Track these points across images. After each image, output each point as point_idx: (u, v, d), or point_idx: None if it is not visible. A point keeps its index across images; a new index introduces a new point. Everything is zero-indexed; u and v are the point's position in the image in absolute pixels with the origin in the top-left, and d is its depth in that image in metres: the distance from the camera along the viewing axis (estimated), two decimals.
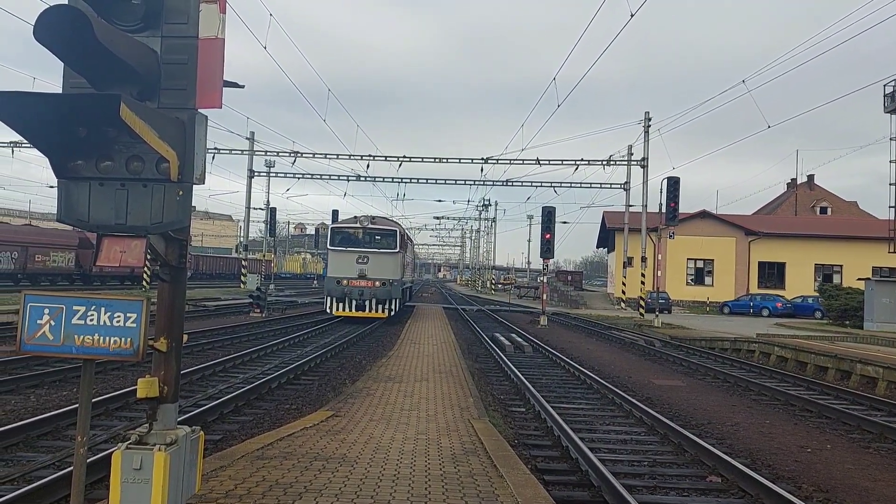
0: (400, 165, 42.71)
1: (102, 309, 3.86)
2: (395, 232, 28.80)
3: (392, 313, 27.83)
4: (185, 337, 4.40)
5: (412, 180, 45.90)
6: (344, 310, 27.29)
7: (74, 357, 3.91)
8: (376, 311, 27.31)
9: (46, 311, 3.87)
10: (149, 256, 4.01)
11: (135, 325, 3.86)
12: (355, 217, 29.57)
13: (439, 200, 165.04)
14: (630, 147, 41.34)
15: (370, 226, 28.53)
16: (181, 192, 3.82)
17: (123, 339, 3.85)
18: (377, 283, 27.07)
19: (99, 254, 3.85)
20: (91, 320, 3.85)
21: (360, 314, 27.25)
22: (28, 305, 3.87)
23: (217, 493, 5.77)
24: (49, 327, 3.86)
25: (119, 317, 3.85)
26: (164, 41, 3.94)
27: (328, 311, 27.85)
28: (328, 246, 29.01)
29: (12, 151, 42.21)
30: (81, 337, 3.85)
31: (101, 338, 3.85)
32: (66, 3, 3.70)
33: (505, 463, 7.16)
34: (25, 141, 3.83)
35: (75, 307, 3.87)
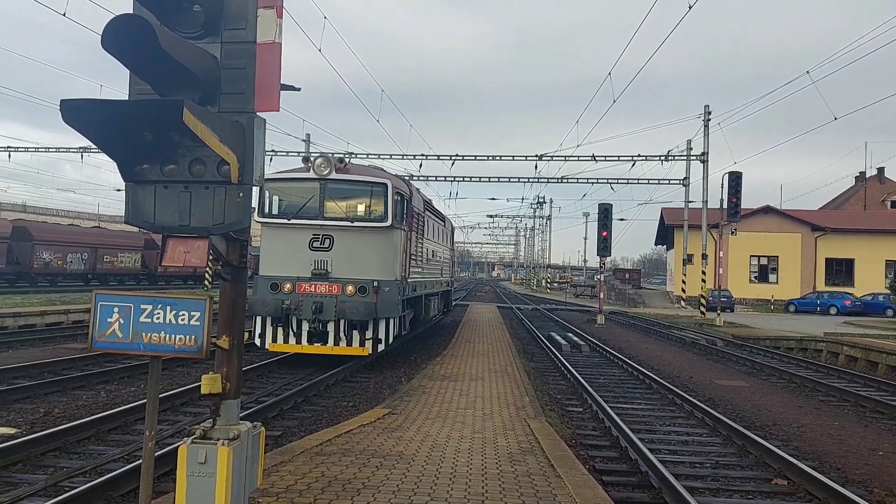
0: (453, 164, 42.82)
1: (168, 308, 3.99)
2: (384, 187, 14.56)
3: (382, 346, 14.44)
4: (246, 334, 4.50)
5: (465, 179, 45.99)
6: (287, 341, 14.21)
7: (142, 354, 4.05)
8: (349, 345, 14.12)
9: (116, 309, 4.01)
10: (211, 256, 4.12)
11: (198, 323, 3.97)
12: (305, 158, 16.12)
13: (493, 198, 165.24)
14: (689, 142, 40.53)
15: (335, 176, 14.52)
16: (241, 194, 3.91)
17: (188, 337, 3.97)
18: (349, 289, 13.95)
19: (164, 254, 3.97)
20: (157, 318, 3.98)
21: (316, 349, 14.15)
22: (99, 304, 4.02)
23: (278, 487, 5.90)
24: (118, 325, 4.00)
25: (184, 315, 3.97)
26: (223, 47, 4.04)
27: (256, 341, 14.39)
28: (256, 217, 14.37)
29: (81, 156, 44.05)
30: (149, 335, 3.98)
31: (167, 335, 3.98)
32: (131, 12, 3.83)
33: (562, 463, 7.11)
34: (94, 146, 3.97)
35: (143, 306, 4.00)
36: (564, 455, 7.49)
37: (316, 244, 14.23)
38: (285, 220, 14.54)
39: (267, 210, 14.73)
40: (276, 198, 14.90)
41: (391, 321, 14.48)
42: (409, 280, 15.75)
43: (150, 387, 4.10)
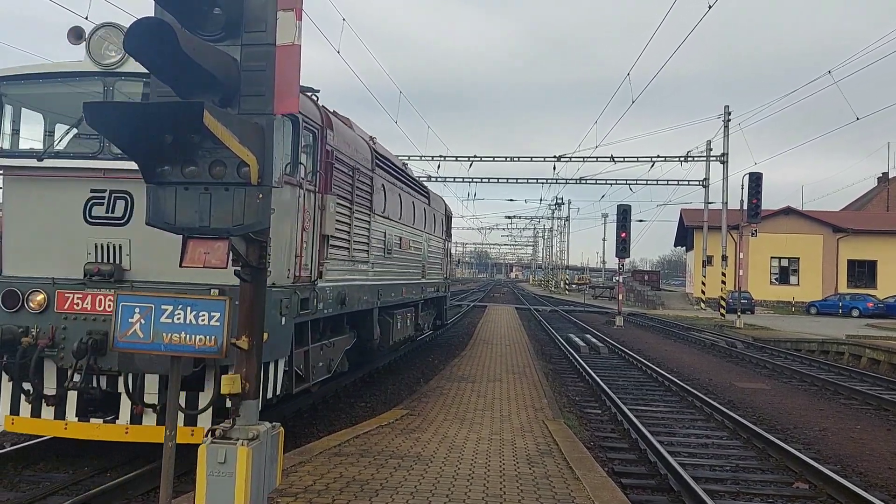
0: (471, 165, 42.87)
1: (188, 308, 4.03)
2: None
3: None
4: (266, 335, 4.53)
5: (483, 180, 46.00)
6: (38, 413, 6.95)
7: (163, 354, 4.08)
8: (161, 422, 6.42)
9: (137, 310, 4.05)
10: (231, 257, 4.15)
11: (218, 323, 4.00)
12: (77, 33, 6.99)
13: (511, 199, 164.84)
14: (709, 142, 40.28)
15: (133, 68, 6.74)
16: (261, 195, 3.94)
17: (208, 337, 4.00)
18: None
19: (185, 255, 4.00)
20: (178, 319, 4.02)
21: (95, 432, 6.85)
22: (121, 305, 4.07)
23: (297, 487, 5.92)
24: (140, 325, 4.04)
25: (203, 316, 4.01)
26: (243, 49, 4.07)
27: None
28: None
29: None
30: (169, 335, 4.02)
31: (188, 336, 4.01)
32: (153, 16, 3.87)
33: (581, 465, 7.08)
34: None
35: (163, 306, 4.04)
36: (583, 457, 7.46)
37: (97, 212, 7.16)
38: (35, 164, 7.30)
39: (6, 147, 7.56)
40: (21, 117, 7.63)
41: (274, 375, 7.41)
42: (323, 284, 8.66)
43: (170, 386, 4.14)
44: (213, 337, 3.99)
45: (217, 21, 4.02)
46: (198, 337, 4.00)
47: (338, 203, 9.10)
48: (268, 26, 4.08)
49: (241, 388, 4.27)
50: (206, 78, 3.80)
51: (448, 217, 20.29)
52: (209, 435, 4.19)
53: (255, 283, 4.41)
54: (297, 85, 4.31)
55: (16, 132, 7.60)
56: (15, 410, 7.05)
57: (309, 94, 9.02)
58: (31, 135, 7.74)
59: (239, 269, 4.35)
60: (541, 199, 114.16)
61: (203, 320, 4.01)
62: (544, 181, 47.80)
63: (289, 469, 6.40)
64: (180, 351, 4.03)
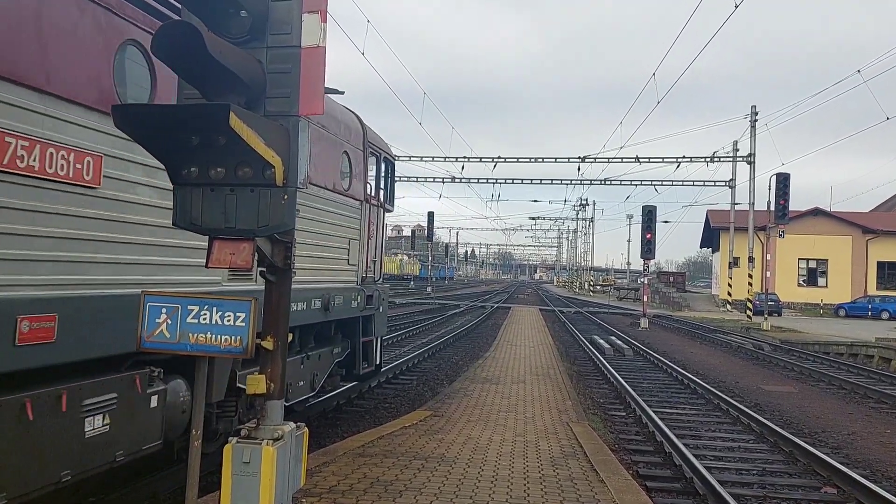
0: (495, 166, 42.83)
1: (214, 308, 4.05)
2: None
3: None
4: (290, 336, 4.55)
5: (507, 181, 45.93)
6: None
7: (189, 354, 4.11)
8: None
9: (164, 310, 4.09)
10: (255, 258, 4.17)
11: (244, 323, 4.02)
12: None
13: (535, 201, 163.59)
14: (735, 143, 39.87)
15: None
16: (286, 197, 3.96)
17: (233, 338, 4.02)
18: None
19: (210, 255, 4.03)
20: (204, 319, 4.05)
21: None
22: (147, 305, 4.11)
23: (321, 487, 5.95)
24: (166, 326, 4.08)
25: (229, 316, 4.03)
26: (269, 51, 4.10)
27: None
28: None
29: None
30: (195, 335, 4.05)
31: (213, 336, 4.04)
32: (181, 19, 3.91)
33: (605, 467, 7.04)
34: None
35: (190, 307, 4.07)
36: (607, 460, 7.41)
37: None
38: None
39: None
40: None
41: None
42: None
43: (196, 386, 4.18)
44: (238, 337, 4.02)
45: (243, 23, 4.05)
46: (223, 337, 4.03)
47: None
48: (293, 29, 4.10)
49: (266, 388, 4.29)
50: (232, 80, 3.83)
51: (378, 157, 10.38)
52: (234, 435, 4.23)
53: (281, 284, 4.44)
54: (323, 86, 4.33)
55: None
56: None
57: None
58: None
59: (264, 269, 4.38)
60: (565, 200, 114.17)
61: (229, 321, 4.04)
62: (569, 182, 47.42)
63: (313, 469, 6.43)
64: (206, 351, 4.06)
